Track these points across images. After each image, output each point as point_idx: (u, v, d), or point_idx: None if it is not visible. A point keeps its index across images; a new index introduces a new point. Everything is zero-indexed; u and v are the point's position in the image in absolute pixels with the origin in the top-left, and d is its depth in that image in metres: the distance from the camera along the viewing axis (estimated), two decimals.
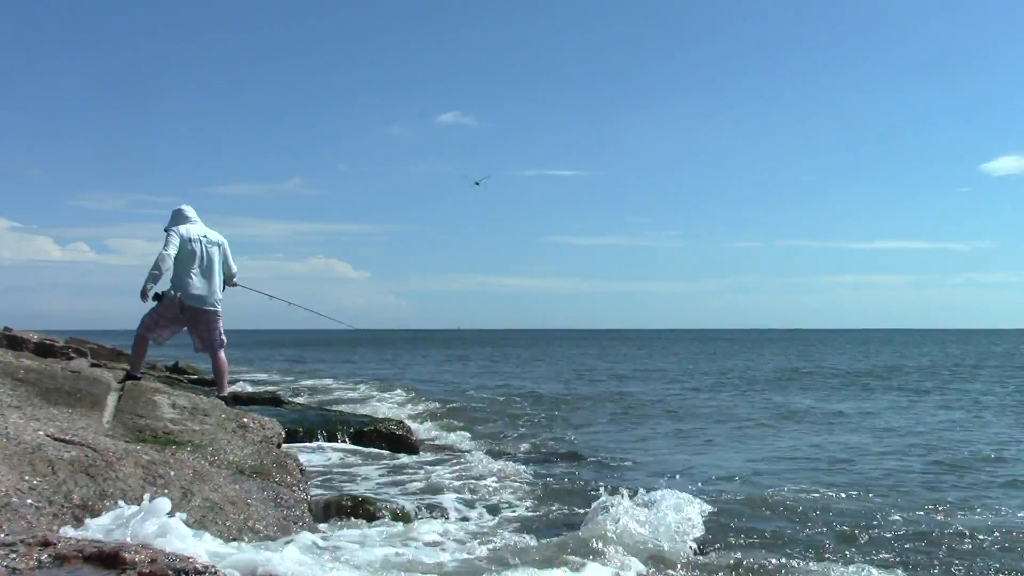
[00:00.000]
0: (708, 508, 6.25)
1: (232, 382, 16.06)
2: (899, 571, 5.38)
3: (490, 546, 5.58)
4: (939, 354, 44.45)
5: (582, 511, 6.46)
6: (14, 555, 2.55)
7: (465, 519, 6.84)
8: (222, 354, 8.49)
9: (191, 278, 8.18)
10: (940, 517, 7.05)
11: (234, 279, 8.65)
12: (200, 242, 8.23)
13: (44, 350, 16.18)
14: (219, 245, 8.37)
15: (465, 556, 5.21)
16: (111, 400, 6.26)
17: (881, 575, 5.20)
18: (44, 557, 2.58)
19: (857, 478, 9.04)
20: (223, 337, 8.46)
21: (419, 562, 4.68)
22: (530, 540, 5.74)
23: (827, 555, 5.75)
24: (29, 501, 3.43)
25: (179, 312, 8.19)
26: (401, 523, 6.42)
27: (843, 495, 7.86)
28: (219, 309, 8.39)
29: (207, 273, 8.24)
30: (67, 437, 4.39)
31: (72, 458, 3.99)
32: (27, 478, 3.64)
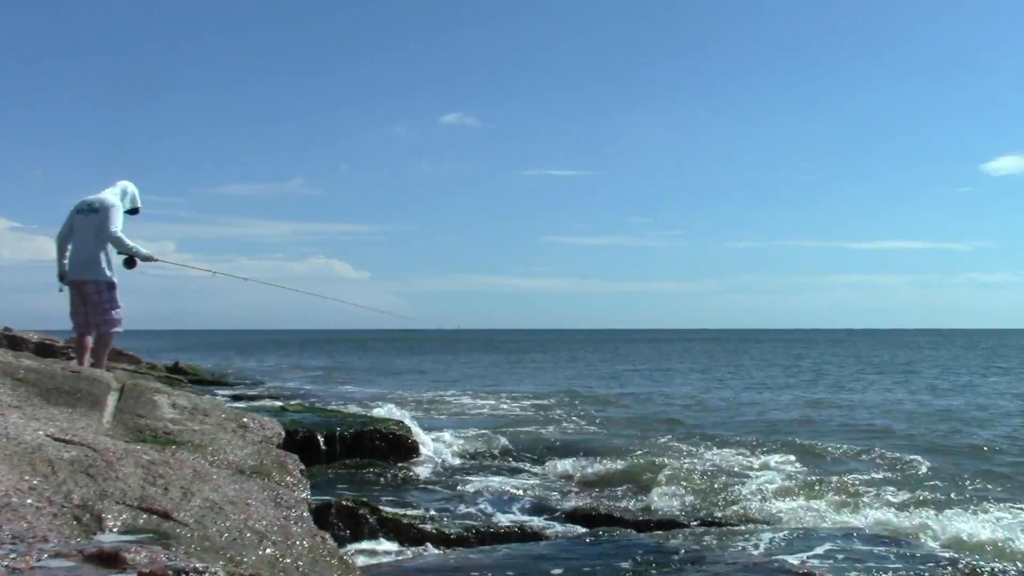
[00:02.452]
0: None
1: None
2: None
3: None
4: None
5: None
6: (14, 555, 2.54)
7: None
8: (106, 333, 7.90)
9: (71, 251, 7.77)
10: None
11: (123, 244, 7.78)
12: (82, 211, 7.74)
13: (44, 350, 16.19)
14: (97, 211, 7.72)
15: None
16: (111, 400, 6.25)
17: None
18: (44, 557, 2.57)
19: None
20: (111, 316, 7.83)
21: None
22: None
23: None
24: (29, 501, 3.42)
25: (71, 289, 7.77)
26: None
27: None
28: (98, 280, 7.75)
29: (82, 243, 7.73)
30: (67, 437, 4.38)
31: (72, 458, 3.99)
32: (27, 478, 3.63)
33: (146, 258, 8.03)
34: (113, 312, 7.87)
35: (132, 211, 8.05)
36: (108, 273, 7.83)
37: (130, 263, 8.07)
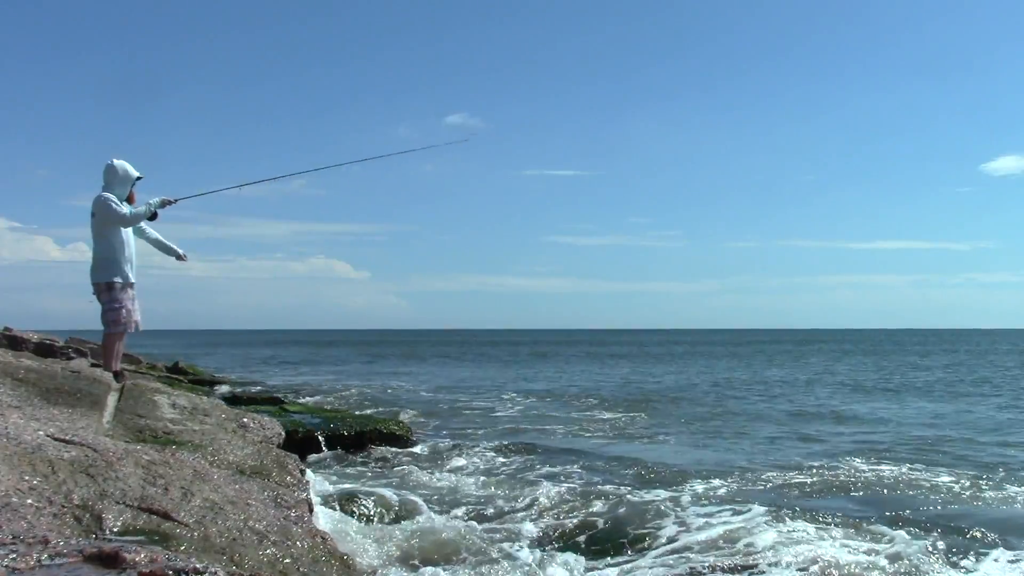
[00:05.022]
0: None
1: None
2: None
3: None
4: None
5: None
6: (14, 555, 2.54)
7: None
8: (109, 334, 7.92)
9: None
10: None
11: (138, 217, 7.81)
12: (91, 217, 7.83)
13: (44, 350, 16.18)
14: (94, 214, 7.77)
15: None
16: (111, 400, 6.25)
17: None
18: (44, 557, 2.57)
19: None
20: (107, 318, 7.83)
21: None
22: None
23: None
24: (29, 501, 3.42)
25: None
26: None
27: None
28: (99, 282, 7.78)
29: (92, 248, 7.82)
30: (67, 437, 4.38)
31: (72, 458, 3.99)
32: (27, 478, 3.63)
33: (163, 204, 8.02)
34: (110, 313, 7.84)
35: (137, 179, 7.99)
36: (107, 274, 7.81)
37: (152, 216, 8.09)
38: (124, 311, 7.89)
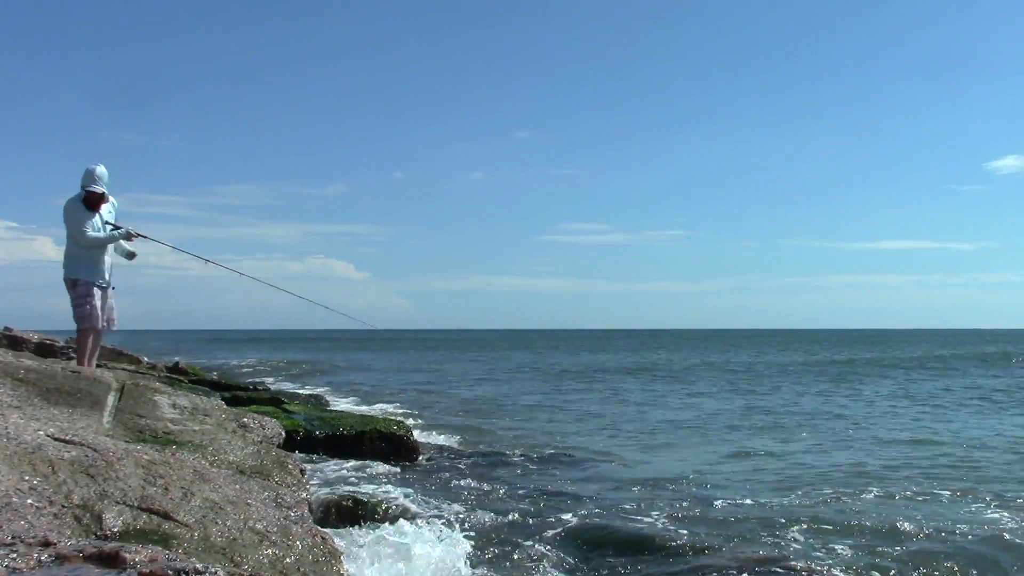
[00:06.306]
0: None
1: None
2: None
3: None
4: None
5: None
6: (14, 555, 2.54)
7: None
8: (81, 330, 7.94)
9: None
10: None
11: (98, 241, 7.78)
12: None
13: (44, 350, 16.16)
14: (65, 210, 7.80)
15: None
16: (111, 400, 6.25)
17: None
18: (44, 557, 2.57)
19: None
20: (75, 314, 7.85)
21: None
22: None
23: None
24: (29, 501, 3.43)
25: None
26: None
27: None
28: (67, 279, 7.83)
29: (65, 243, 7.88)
30: (67, 437, 4.38)
31: (72, 458, 3.99)
32: (27, 478, 3.63)
33: (128, 236, 7.96)
34: (77, 309, 7.82)
35: (94, 187, 7.81)
36: (71, 271, 7.77)
37: (130, 255, 8.09)
38: (88, 307, 7.82)
